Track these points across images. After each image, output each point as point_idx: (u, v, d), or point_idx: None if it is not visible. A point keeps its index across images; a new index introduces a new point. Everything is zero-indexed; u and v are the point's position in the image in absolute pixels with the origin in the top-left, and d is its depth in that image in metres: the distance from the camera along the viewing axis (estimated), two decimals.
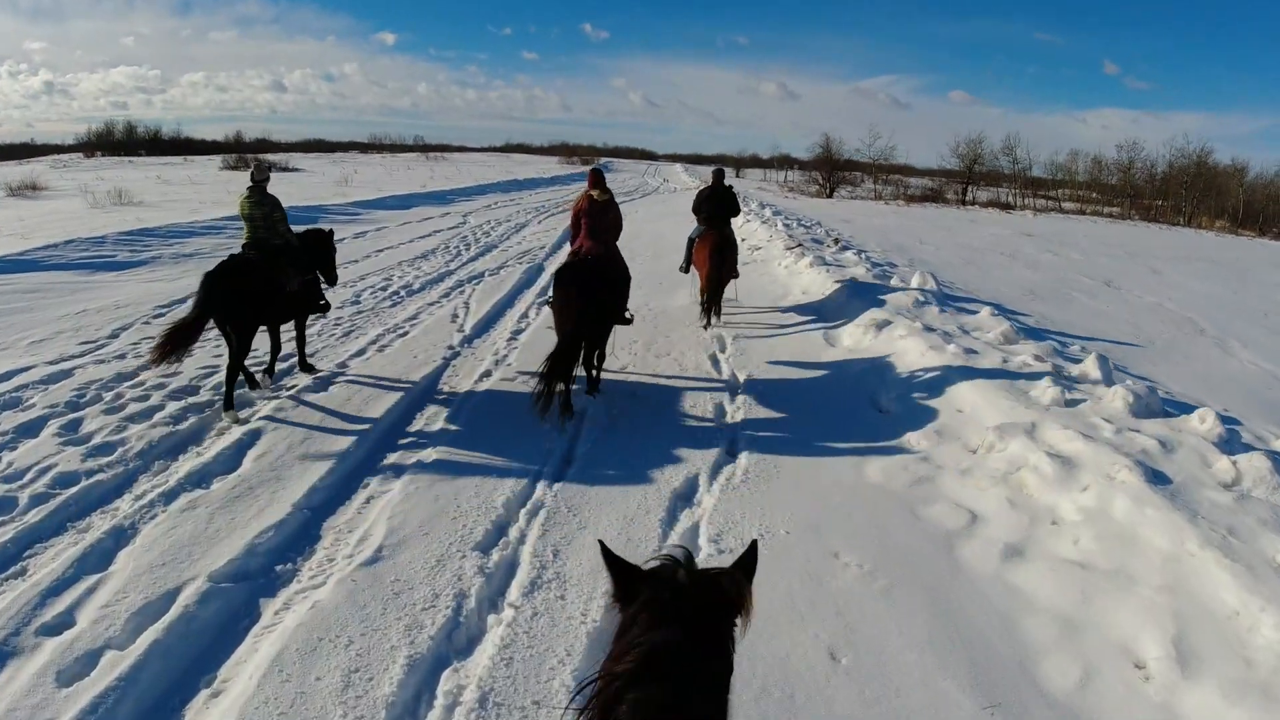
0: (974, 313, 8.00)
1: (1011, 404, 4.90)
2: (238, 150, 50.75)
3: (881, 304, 7.88)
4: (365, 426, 4.86)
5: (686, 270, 8.62)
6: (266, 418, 4.94)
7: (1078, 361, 6.15)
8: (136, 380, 5.50)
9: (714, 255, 7.59)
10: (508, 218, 17.82)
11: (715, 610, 1.20)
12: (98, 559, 3.38)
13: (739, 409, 5.41)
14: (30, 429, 4.59)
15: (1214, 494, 3.81)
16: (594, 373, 5.70)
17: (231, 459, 4.36)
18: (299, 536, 3.61)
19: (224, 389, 5.02)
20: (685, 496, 4.10)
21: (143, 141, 54.04)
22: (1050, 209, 38.05)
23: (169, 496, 3.90)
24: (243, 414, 4.99)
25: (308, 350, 6.11)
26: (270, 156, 42.15)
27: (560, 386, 4.96)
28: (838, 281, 9.27)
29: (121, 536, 3.55)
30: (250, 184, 5.67)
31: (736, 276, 8.46)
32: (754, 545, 1.36)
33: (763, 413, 5.37)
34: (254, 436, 4.63)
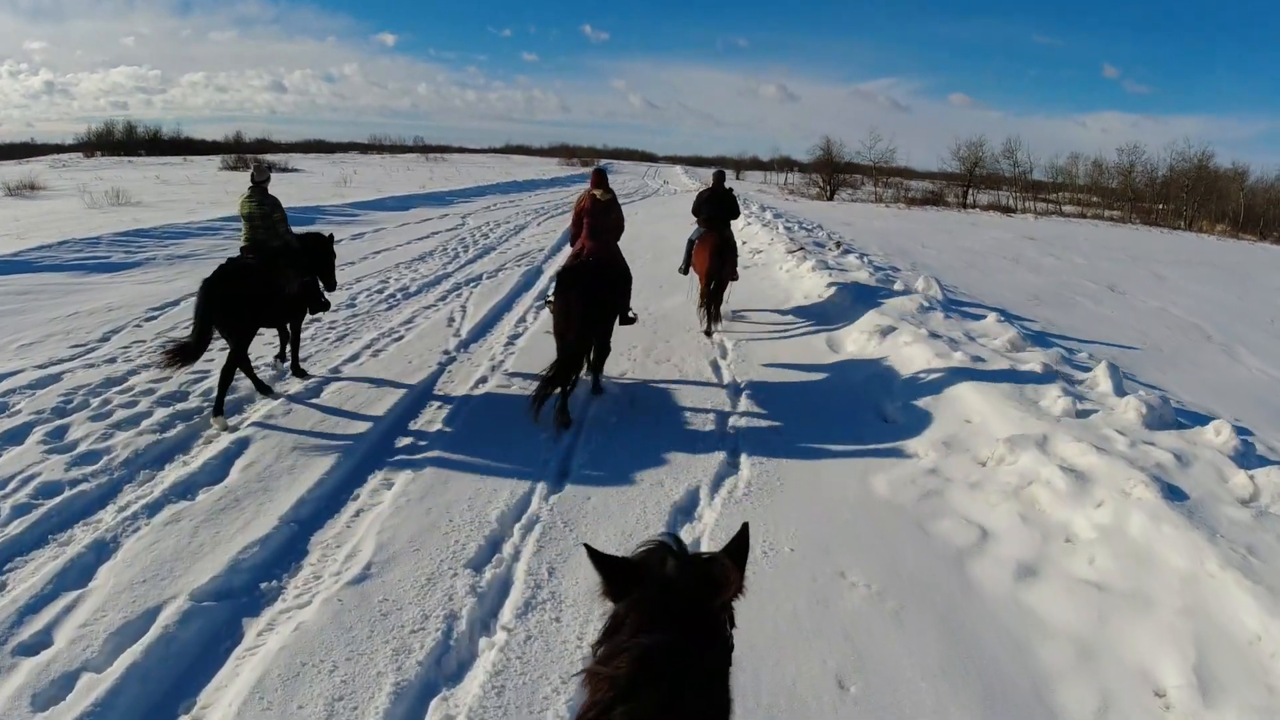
0: (979, 318, 7.88)
1: (1021, 415, 4.78)
2: (237, 151, 50.66)
3: (885, 309, 7.76)
4: (357, 435, 4.74)
5: (686, 272, 8.55)
6: (256, 425, 4.82)
7: (1086, 370, 6.03)
8: (125, 385, 5.38)
9: (714, 257, 7.56)
10: (507, 219, 17.71)
11: (706, 600, 1.17)
12: (78, 574, 3.27)
13: (741, 417, 5.29)
14: (15, 436, 4.48)
15: (1232, 510, 3.69)
16: (598, 375, 5.66)
17: (218, 469, 4.24)
18: (285, 552, 3.48)
19: (215, 394, 4.91)
20: (686, 510, 3.98)
21: (142, 141, 54.00)
22: (1051, 212, 37.94)
23: (153, 509, 3.78)
24: (232, 420, 4.87)
25: (301, 354, 6.00)
26: (270, 157, 42.09)
27: (557, 390, 4.91)
28: (840, 286, 9.15)
29: (103, 551, 3.44)
30: (251, 184, 5.64)
31: (736, 279, 8.38)
32: (745, 529, 1.33)
33: (765, 421, 5.24)
34: (242, 445, 4.51)
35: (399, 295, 8.85)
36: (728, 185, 8.58)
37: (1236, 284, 15.21)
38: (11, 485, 3.90)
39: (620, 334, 6.06)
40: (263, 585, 3.23)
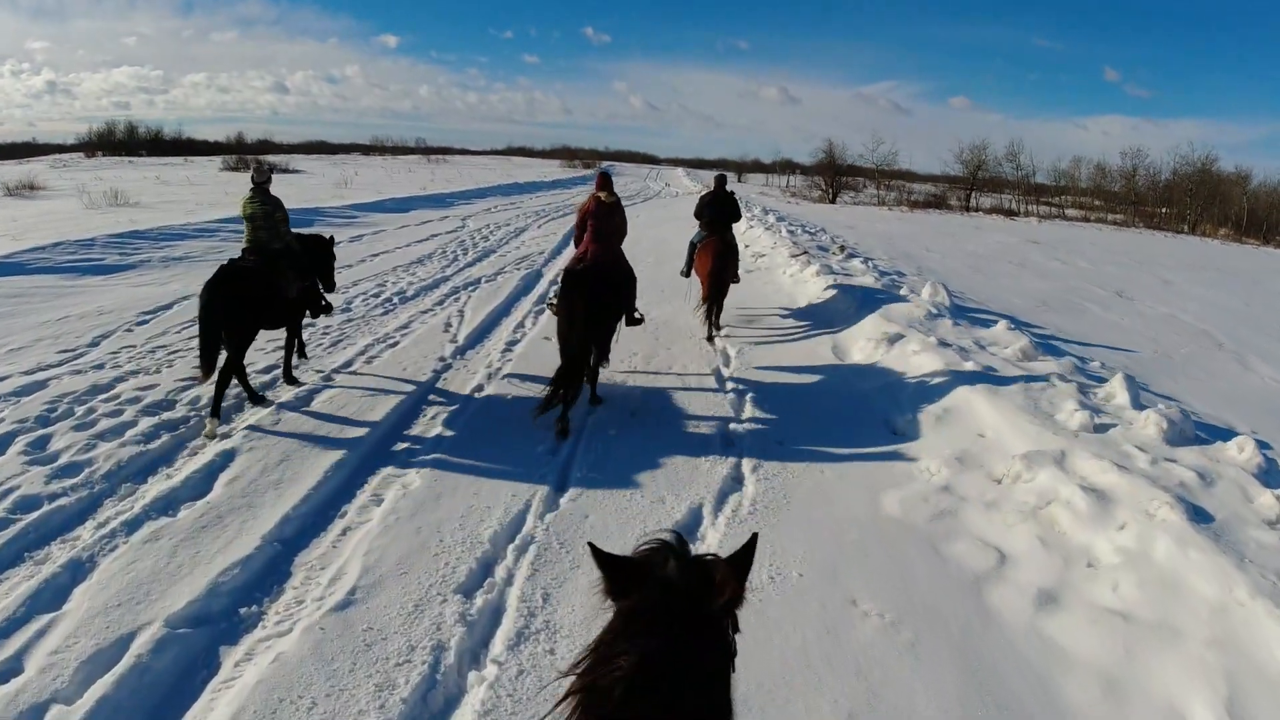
0: (989, 325, 7.71)
1: (1038, 429, 4.60)
2: (239, 151, 50.61)
3: (892, 315, 7.59)
4: (347, 447, 4.57)
5: (688, 275, 8.45)
6: (244, 434, 4.66)
7: (1101, 380, 5.85)
8: (112, 393, 5.22)
9: (716, 260, 7.50)
10: (507, 222, 17.55)
11: (706, 601, 1.16)
12: (52, 596, 3.12)
13: (744, 429, 5.12)
14: None
15: (1259, 533, 3.52)
16: (593, 384, 5.54)
17: (202, 482, 4.08)
18: (267, 574, 3.31)
19: (213, 396, 4.79)
20: (689, 530, 3.80)
21: (144, 142, 53.91)
22: (1054, 216, 37.77)
23: (132, 525, 3.62)
24: (221, 429, 4.72)
25: (293, 361, 5.85)
26: (271, 158, 41.98)
27: (561, 391, 4.88)
28: (845, 291, 8.99)
29: (79, 571, 3.28)
30: (252, 185, 5.57)
31: (737, 281, 8.32)
32: (754, 539, 1.32)
33: (770, 434, 5.07)
34: (228, 457, 4.35)
35: (396, 299, 8.70)
36: (729, 188, 8.51)
37: (1243, 289, 15.04)
38: None
39: (621, 340, 5.91)
40: (242, 610, 3.06)
